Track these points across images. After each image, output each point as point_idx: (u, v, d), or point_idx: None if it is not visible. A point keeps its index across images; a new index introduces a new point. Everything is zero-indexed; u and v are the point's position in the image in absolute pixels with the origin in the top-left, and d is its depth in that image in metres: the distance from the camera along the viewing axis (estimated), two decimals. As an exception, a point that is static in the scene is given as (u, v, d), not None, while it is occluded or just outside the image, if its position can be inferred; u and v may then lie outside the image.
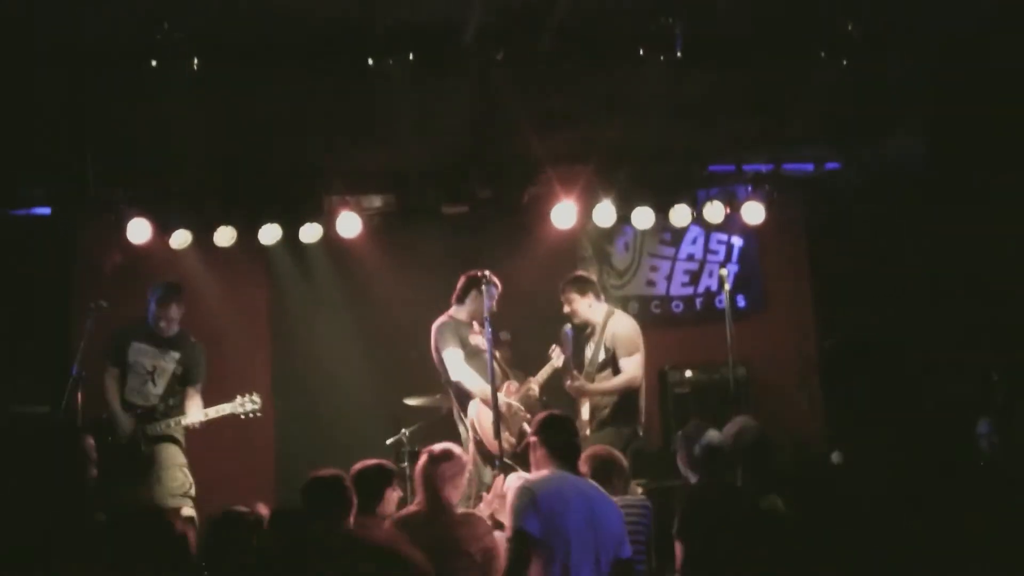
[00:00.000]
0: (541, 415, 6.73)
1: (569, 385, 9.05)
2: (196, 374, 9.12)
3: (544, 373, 9.15)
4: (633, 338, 9.16)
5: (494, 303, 8.65)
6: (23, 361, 9.62)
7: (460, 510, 6.77)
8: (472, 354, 8.70)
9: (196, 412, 8.92)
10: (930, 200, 10.23)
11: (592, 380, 9.13)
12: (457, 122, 9.52)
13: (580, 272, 9.64)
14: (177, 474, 8.90)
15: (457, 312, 8.89)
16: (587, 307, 9.23)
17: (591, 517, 6.05)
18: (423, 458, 6.75)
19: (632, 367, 9.04)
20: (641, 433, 9.17)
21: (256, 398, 8.99)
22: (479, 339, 8.71)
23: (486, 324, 8.26)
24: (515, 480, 6.96)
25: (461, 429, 8.73)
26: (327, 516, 5.97)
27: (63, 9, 7.57)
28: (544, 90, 9.05)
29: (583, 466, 7.01)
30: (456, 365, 8.59)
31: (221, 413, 8.93)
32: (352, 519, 6.08)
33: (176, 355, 9.07)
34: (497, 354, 8.55)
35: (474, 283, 8.76)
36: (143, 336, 9.07)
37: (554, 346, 9.29)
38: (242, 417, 9.00)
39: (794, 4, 8.15)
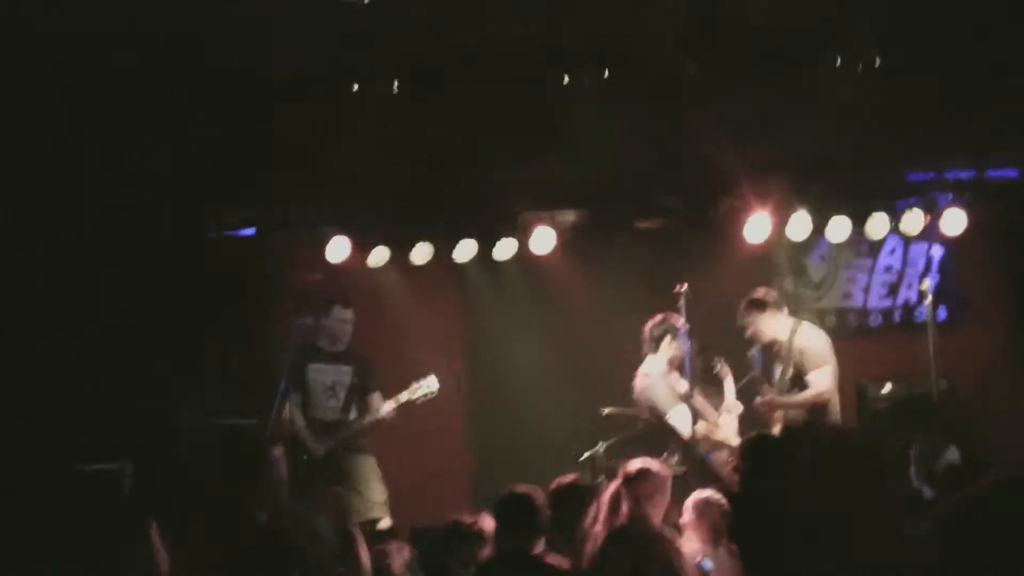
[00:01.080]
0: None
1: (759, 402, 8.83)
2: (373, 383, 9.32)
3: (729, 392, 8.96)
4: (820, 351, 8.87)
5: (689, 345, 8.41)
6: (230, 376, 9.92)
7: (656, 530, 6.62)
8: (684, 400, 8.56)
9: (378, 409, 9.11)
10: None
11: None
12: (649, 134, 9.49)
13: (758, 292, 9.26)
14: (376, 484, 9.10)
15: (655, 365, 8.70)
16: (770, 325, 8.98)
17: None
18: (619, 478, 6.53)
19: (820, 380, 8.75)
20: None
21: (430, 379, 9.10)
22: (681, 384, 8.54)
23: (683, 336, 8.18)
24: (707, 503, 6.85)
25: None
26: (516, 536, 5.89)
27: (264, 36, 7.82)
28: (736, 100, 8.97)
29: None
30: (686, 423, 8.38)
31: (399, 401, 9.07)
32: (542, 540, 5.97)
33: (350, 368, 9.31)
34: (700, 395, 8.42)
35: (664, 329, 8.63)
36: (317, 356, 9.41)
37: (717, 359, 9.12)
38: (418, 402, 9.09)
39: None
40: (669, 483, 6.70)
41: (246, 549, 5.54)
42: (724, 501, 6.65)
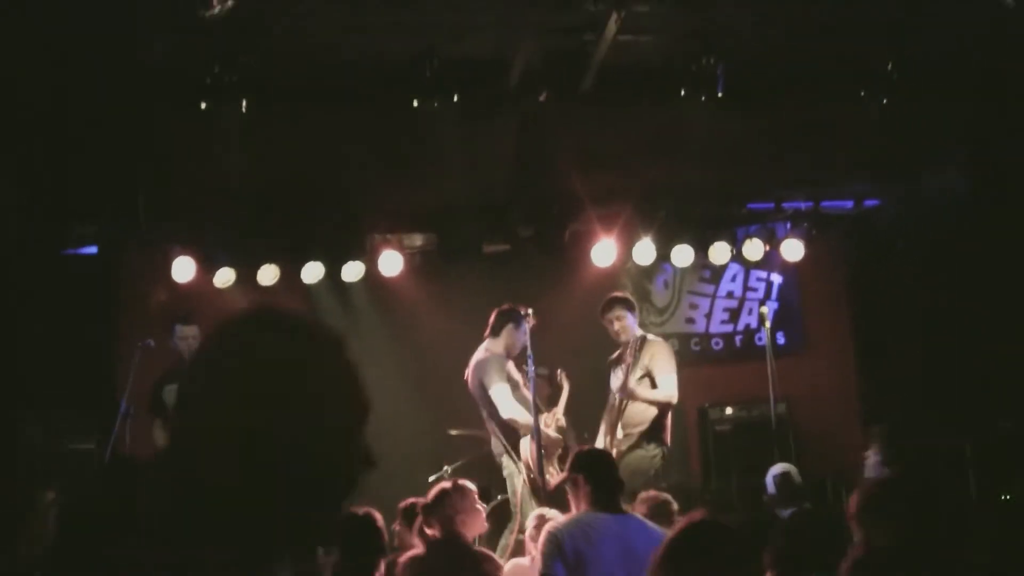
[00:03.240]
0: (584, 451, 6.77)
1: (617, 387, 8.91)
2: None
3: (563, 401, 9.13)
4: (670, 358, 9.10)
5: (527, 336, 8.66)
6: (70, 397, 9.69)
7: (476, 547, 6.65)
8: (513, 388, 8.73)
9: None
10: (971, 236, 10.22)
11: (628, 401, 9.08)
12: (499, 162, 9.63)
13: (622, 292, 9.56)
14: None
15: (493, 346, 8.86)
16: (633, 324, 9.22)
17: (625, 556, 6.11)
18: (427, 498, 6.62)
19: (670, 386, 8.97)
20: (666, 454, 9.01)
21: None
22: (516, 373, 8.74)
23: (528, 359, 8.32)
24: (542, 518, 7.01)
25: (507, 465, 8.73)
26: (360, 556, 5.90)
27: (117, 52, 7.72)
28: (586, 130, 9.16)
29: (639, 507, 7.09)
30: (506, 401, 8.56)
31: None
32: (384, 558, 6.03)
33: None
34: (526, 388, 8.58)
35: (508, 317, 8.79)
36: (172, 378, 9.23)
37: (559, 370, 9.29)
38: None
39: (833, 43, 8.21)
40: (474, 496, 6.76)
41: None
42: (559, 517, 6.83)
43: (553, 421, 8.88)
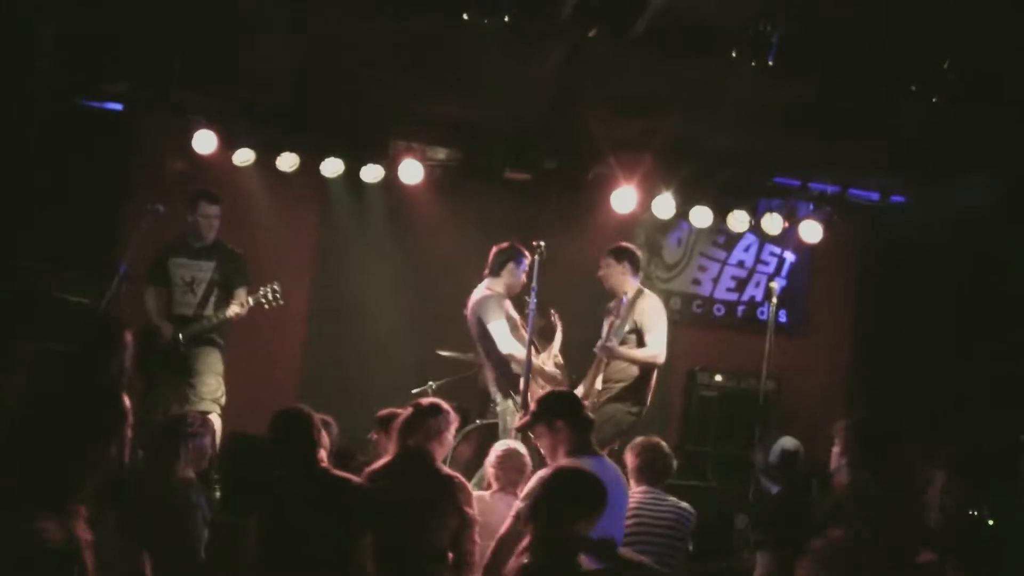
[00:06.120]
0: (555, 393, 6.72)
1: (599, 345, 8.86)
2: (237, 280, 9.17)
3: (557, 340, 9.04)
4: (662, 317, 8.94)
5: (524, 275, 8.61)
6: (72, 254, 9.59)
7: (445, 470, 6.45)
8: (512, 328, 8.66)
9: (228, 308, 9.02)
10: (990, 249, 10.14)
11: None
12: (536, 91, 9.50)
13: (624, 243, 9.27)
14: (210, 379, 9.00)
15: (494, 285, 8.79)
16: (618, 275, 9.06)
17: (622, 497, 6.19)
18: (409, 410, 6.46)
19: (658, 344, 8.87)
20: (643, 412, 8.87)
21: (276, 286, 9.06)
22: (514, 313, 8.69)
23: (532, 292, 8.23)
24: (512, 452, 7.02)
25: (501, 402, 8.67)
26: (294, 447, 6.01)
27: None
28: (627, 74, 9.03)
29: (629, 456, 7.06)
30: (505, 337, 8.48)
31: (246, 307, 8.99)
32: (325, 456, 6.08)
33: (212, 264, 9.15)
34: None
35: (509, 255, 8.73)
36: (180, 251, 9.19)
37: (552, 311, 9.18)
38: (265, 306, 9.04)
39: (896, 32, 8.07)
40: (455, 427, 6.63)
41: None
42: (524, 452, 6.93)
43: (550, 359, 8.83)
